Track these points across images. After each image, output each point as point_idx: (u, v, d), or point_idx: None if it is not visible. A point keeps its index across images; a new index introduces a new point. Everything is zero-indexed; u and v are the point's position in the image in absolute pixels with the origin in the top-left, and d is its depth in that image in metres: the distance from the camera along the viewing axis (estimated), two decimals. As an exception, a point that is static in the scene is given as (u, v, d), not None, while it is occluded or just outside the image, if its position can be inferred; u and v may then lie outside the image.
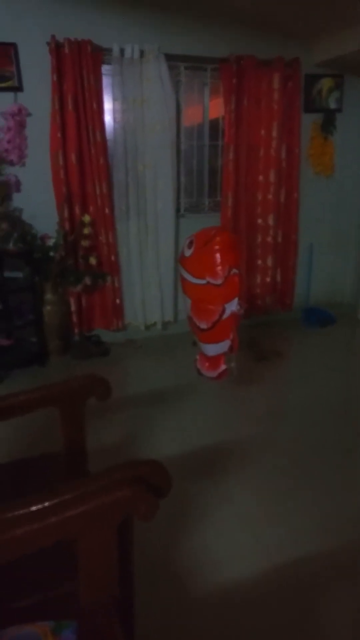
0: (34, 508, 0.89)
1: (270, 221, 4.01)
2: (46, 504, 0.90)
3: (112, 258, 3.66)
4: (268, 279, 4.17)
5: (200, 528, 1.85)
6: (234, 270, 2.47)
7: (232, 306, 2.54)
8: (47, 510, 0.89)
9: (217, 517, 1.90)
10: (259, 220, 4.02)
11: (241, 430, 2.56)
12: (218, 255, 2.44)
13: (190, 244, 2.61)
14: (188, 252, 2.61)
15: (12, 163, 3.27)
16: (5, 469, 1.48)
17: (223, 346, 2.65)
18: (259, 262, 4.13)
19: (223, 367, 2.72)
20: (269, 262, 4.13)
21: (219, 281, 2.45)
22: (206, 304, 2.58)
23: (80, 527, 0.92)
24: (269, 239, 4.06)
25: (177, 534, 1.82)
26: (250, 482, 2.12)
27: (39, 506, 0.89)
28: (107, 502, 0.91)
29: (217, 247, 2.44)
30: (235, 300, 2.54)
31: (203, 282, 2.51)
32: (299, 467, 2.23)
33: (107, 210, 3.52)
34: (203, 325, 2.60)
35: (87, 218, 3.40)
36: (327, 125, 4.08)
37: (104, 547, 0.95)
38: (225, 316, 2.54)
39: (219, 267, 2.44)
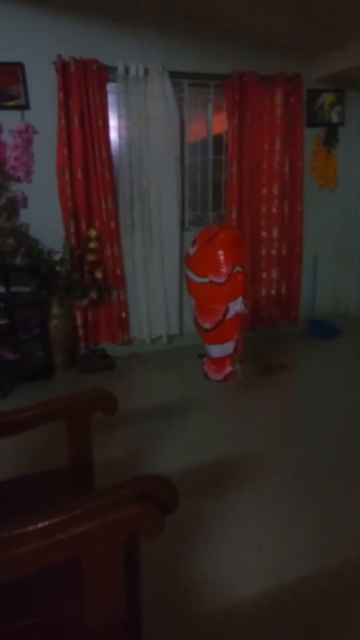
0: (41, 525, 0.89)
1: (275, 234, 4.03)
2: (53, 520, 0.89)
3: (118, 272, 3.68)
4: (273, 292, 4.18)
5: (207, 545, 1.82)
6: (238, 268, 2.40)
7: (237, 305, 2.46)
8: (54, 527, 0.89)
9: (224, 534, 1.88)
10: (263, 233, 4.04)
11: (247, 444, 2.54)
12: (221, 253, 2.37)
13: (194, 242, 2.57)
14: (192, 251, 2.57)
15: (19, 179, 3.32)
16: (11, 485, 1.47)
17: (228, 347, 2.60)
18: (264, 274, 4.14)
19: (229, 369, 2.66)
20: (274, 274, 4.14)
21: (222, 279, 2.39)
22: (210, 303, 2.52)
23: (88, 544, 0.91)
24: (274, 252, 4.08)
25: (184, 551, 1.80)
26: (257, 497, 2.09)
27: (46, 523, 0.89)
28: (114, 518, 0.90)
29: (220, 244, 2.38)
30: (240, 300, 2.46)
31: (206, 280, 2.45)
32: (307, 482, 2.21)
33: (112, 225, 3.55)
34: (207, 325, 2.56)
35: (93, 232, 3.44)
36: (330, 139, 4.12)
37: (111, 566, 0.94)
38: (229, 316, 2.47)
39: (222, 265, 2.39)
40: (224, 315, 2.48)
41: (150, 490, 0.99)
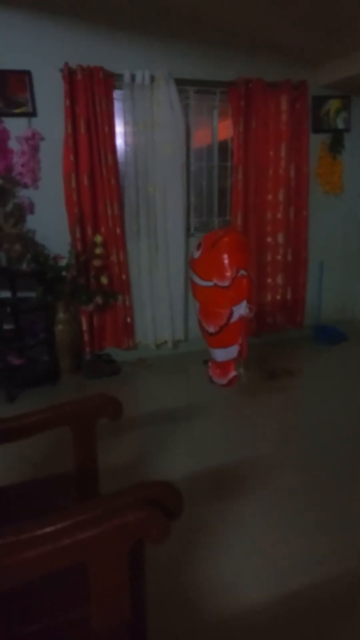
0: (46, 530, 0.89)
1: (280, 239, 4.03)
2: (59, 525, 0.89)
3: (123, 277, 3.70)
4: (278, 297, 4.18)
5: (211, 551, 1.82)
6: (242, 272, 2.38)
7: (241, 309, 2.44)
8: (60, 532, 0.89)
9: (228, 539, 1.87)
10: (269, 239, 4.04)
11: (252, 450, 2.54)
12: (225, 257, 2.36)
13: (199, 245, 2.56)
14: (196, 254, 2.56)
15: (25, 186, 3.35)
16: (16, 490, 1.48)
17: (232, 351, 2.58)
18: (269, 280, 4.14)
19: (233, 373, 2.64)
20: (279, 280, 4.14)
21: (226, 283, 2.38)
22: (214, 307, 2.51)
23: (93, 549, 0.91)
24: (279, 257, 4.08)
25: (188, 556, 1.80)
26: (262, 503, 2.09)
27: (52, 528, 0.89)
28: (119, 524, 0.90)
29: (224, 248, 2.37)
30: (244, 303, 2.45)
31: (210, 284, 2.44)
32: (312, 488, 2.20)
33: (118, 231, 3.57)
34: (211, 329, 2.55)
35: (98, 238, 3.46)
36: (335, 145, 4.13)
37: (116, 571, 0.94)
38: (233, 320, 2.45)
39: (226, 269, 2.37)
40: (228, 319, 2.46)
41: (155, 495, 0.99)
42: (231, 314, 2.45)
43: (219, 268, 2.40)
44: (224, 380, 2.68)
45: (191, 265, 2.66)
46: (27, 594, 1.03)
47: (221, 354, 2.65)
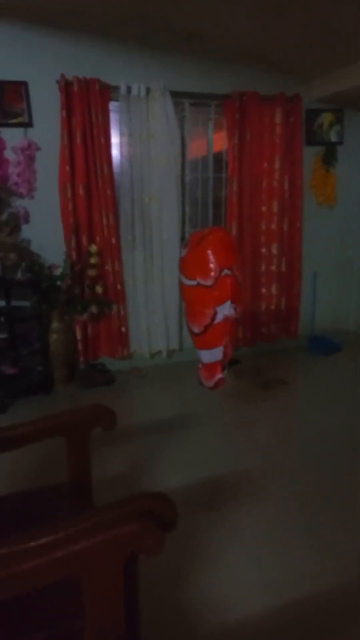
0: (40, 542, 0.88)
1: (274, 250, 4.06)
2: (52, 537, 0.89)
3: (118, 287, 3.70)
4: (273, 307, 4.20)
5: (206, 562, 1.80)
6: (226, 271, 2.34)
7: (225, 310, 2.40)
8: (53, 544, 0.88)
9: (223, 551, 1.86)
10: (263, 250, 4.07)
11: (247, 461, 2.53)
12: (209, 254, 2.31)
13: (186, 244, 2.53)
14: (183, 253, 2.54)
15: (21, 195, 3.36)
16: (9, 501, 1.46)
17: (217, 353, 2.53)
18: (264, 290, 4.16)
19: (219, 375, 2.59)
20: (274, 290, 4.16)
21: (209, 282, 2.33)
22: (198, 306, 2.45)
23: (87, 561, 0.90)
24: (273, 268, 4.10)
25: (183, 568, 1.78)
26: (257, 514, 2.07)
27: (45, 540, 0.89)
28: (113, 536, 0.90)
29: (208, 246, 2.32)
30: (228, 304, 2.40)
31: (194, 283, 2.41)
32: (307, 499, 2.19)
33: (113, 240, 3.58)
34: (195, 329, 2.52)
35: (93, 248, 3.47)
36: (329, 158, 4.18)
37: (110, 583, 0.93)
38: (217, 320, 2.41)
39: (210, 268, 2.31)
40: (212, 319, 2.42)
41: (149, 507, 0.99)
42: (215, 314, 2.41)
43: (202, 267, 2.34)
44: (211, 383, 2.64)
45: (179, 265, 2.61)
46: (20, 606, 1.02)
47: (206, 355, 2.61)
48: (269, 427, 2.95)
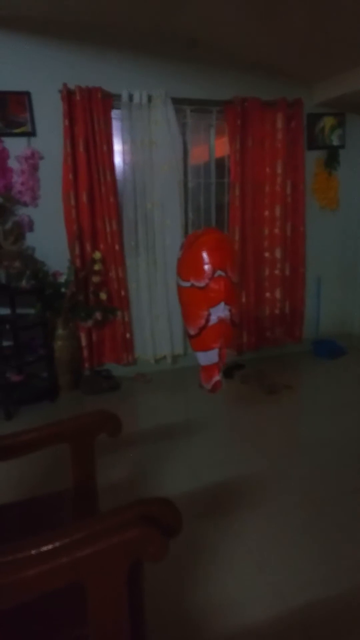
0: (44, 548, 0.89)
1: (278, 254, 4.06)
2: (57, 544, 0.89)
3: (122, 293, 3.71)
4: (277, 311, 4.19)
5: (212, 570, 1.80)
6: (219, 273, 2.31)
7: (219, 311, 2.37)
8: (57, 551, 0.88)
9: (230, 558, 1.85)
10: (266, 254, 4.07)
11: (253, 466, 2.52)
12: (202, 255, 2.30)
13: (182, 246, 2.53)
14: (179, 254, 2.53)
15: (25, 204, 3.39)
16: (14, 508, 1.46)
17: (212, 355, 2.50)
18: (268, 294, 4.16)
19: (216, 378, 2.56)
20: (278, 294, 4.15)
21: (202, 284, 2.31)
22: (192, 307, 2.43)
23: (91, 568, 0.90)
24: (277, 272, 4.10)
25: (188, 575, 1.77)
26: (262, 520, 2.06)
27: (50, 546, 0.89)
28: (117, 542, 0.90)
29: (202, 247, 2.31)
30: (222, 305, 2.38)
31: (188, 284, 2.40)
32: (313, 505, 2.18)
33: (117, 247, 3.60)
34: (191, 331, 2.50)
35: (97, 255, 3.48)
36: (331, 161, 4.18)
37: (114, 590, 0.93)
38: (212, 322, 2.40)
39: (203, 269, 2.29)
40: (207, 321, 2.41)
41: (153, 513, 0.99)
42: (209, 315, 2.39)
43: (196, 268, 2.32)
44: (209, 385, 2.62)
45: (176, 267, 2.60)
46: (24, 613, 1.02)
47: (203, 358, 2.60)
48: (274, 432, 2.94)
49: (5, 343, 3.26)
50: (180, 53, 3.54)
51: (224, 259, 2.38)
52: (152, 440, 2.87)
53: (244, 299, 4.04)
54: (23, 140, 3.34)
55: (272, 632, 1.53)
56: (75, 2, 2.89)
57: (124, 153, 3.53)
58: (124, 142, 3.51)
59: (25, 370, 3.44)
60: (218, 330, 2.43)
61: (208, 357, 2.54)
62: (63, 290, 3.39)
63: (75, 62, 3.34)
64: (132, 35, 3.40)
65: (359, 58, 3.35)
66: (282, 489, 2.30)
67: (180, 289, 2.55)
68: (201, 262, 2.32)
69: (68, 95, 3.28)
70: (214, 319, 2.39)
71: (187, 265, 2.42)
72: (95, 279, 3.52)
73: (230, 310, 2.40)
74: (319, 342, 4.37)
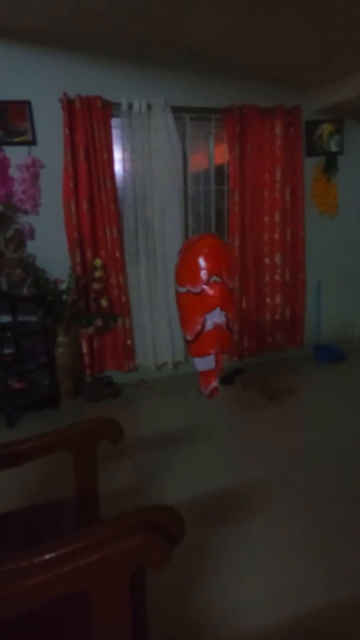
0: (47, 556, 0.89)
1: (278, 260, 4.07)
2: (59, 552, 0.89)
3: (123, 300, 3.72)
4: (278, 317, 4.20)
5: (215, 577, 1.79)
6: (215, 278, 2.32)
7: (214, 317, 2.37)
8: (60, 559, 0.88)
9: (233, 565, 1.84)
10: (266, 260, 4.09)
11: (255, 472, 2.52)
12: (198, 262, 2.31)
13: (179, 252, 2.56)
14: (177, 260, 2.56)
15: (26, 212, 3.41)
16: (17, 516, 1.46)
17: (209, 361, 2.51)
18: (268, 300, 4.17)
19: (213, 384, 2.57)
20: (278, 300, 4.16)
21: (197, 289, 2.36)
22: (188, 313, 2.46)
23: (94, 575, 0.90)
24: (277, 278, 4.11)
25: (191, 581, 1.77)
26: (266, 526, 2.06)
27: (52, 554, 0.89)
28: (120, 549, 0.90)
29: (197, 252, 2.32)
30: (217, 311, 2.38)
31: (184, 290, 2.43)
32: (316, 510, 2.17)
33: (117, 254, 3.61)
34: (188, 337, 2.52)
35: (98, 262, 3.50)
36: (329, 167, 4.21)
37: (118, 597, 0.93)
38: (207, 328, 2.42)
39: (198, 274, 2.31)
40: (203, 326, 2.43)
41: (156, 520, 0.99)
42: (205, 321, 2.42)
43: (192, 273, 2.34)
44: (207, 392, 2.64)
45: (175, 272, 2.64)
46: (28, 620, 1.02)
47: (200, 363, 2.61)
48: (276, 438, 2.93)
49: (7, 350, 3.27)
50: (179, 62, 3.57)
51: (220, 264, 2.39)
52: (154, 446, 2.87)
53: (244, 305, 4.05)
54: (24, 149, 3.36)
55: (275, 638, 1.52)
56: (74, 13, 2.92)
57: (124, 161, 3.55)
58: (123, 150, 3.54)
59: (27, 377, 3.45)
60: (214, 335, 2.44)
61: (205, 363, 2.55)
62: (64, 297, 3.41)
63: (75, 71, 3.38)
64: (131, 44, 3.43)
65: (356, 65, 3.38)
66: (284, 494, 2.29)
67: (177, 294, 2.57)
68: (197, 268, 2.34)
69: (68, 104, 3.31)
70: (209, 324, 2.41)
71: (184, 271, 2.43)
72: (96, 286, 3.54)
73: (226, 316, 2.42)
74: (320, 347, 4.37)
